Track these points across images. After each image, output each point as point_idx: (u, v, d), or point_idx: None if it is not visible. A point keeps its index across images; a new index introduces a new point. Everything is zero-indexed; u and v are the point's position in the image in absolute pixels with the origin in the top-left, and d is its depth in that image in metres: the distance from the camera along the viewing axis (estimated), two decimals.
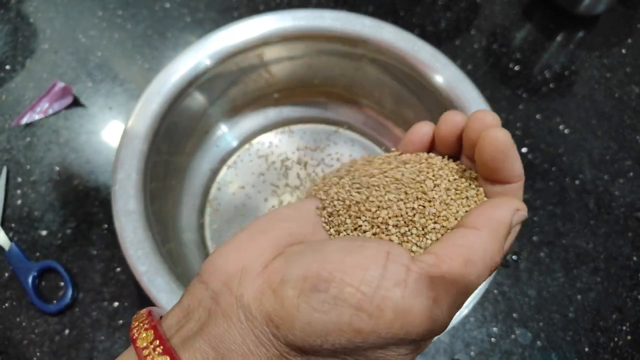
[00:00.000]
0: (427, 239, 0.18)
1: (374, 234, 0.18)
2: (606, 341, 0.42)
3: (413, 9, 0.58)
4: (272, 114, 0.49)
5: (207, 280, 0.17)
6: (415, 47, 0.41)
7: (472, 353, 0.41)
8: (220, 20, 0.55)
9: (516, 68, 0.55)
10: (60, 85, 0.48)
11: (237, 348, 0.15)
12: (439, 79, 0.40)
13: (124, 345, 0.39)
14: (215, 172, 0.46)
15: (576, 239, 0.46)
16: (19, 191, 0.45)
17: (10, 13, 0.55)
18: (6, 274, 0.42)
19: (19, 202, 0.45)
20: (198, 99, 0.42)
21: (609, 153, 0.51)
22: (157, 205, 0.37)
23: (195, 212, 0.43)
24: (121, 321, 0.40)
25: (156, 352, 0.15)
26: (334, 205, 0.19)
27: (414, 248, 0.18)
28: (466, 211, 0.19)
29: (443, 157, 0.21)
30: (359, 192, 0.19)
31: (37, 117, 0.48)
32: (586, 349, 0.42)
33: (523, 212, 0.18)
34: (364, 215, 0.19)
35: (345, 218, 0.19)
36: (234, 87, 0.45)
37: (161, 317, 0.18)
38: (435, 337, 0.19)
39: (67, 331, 0.40)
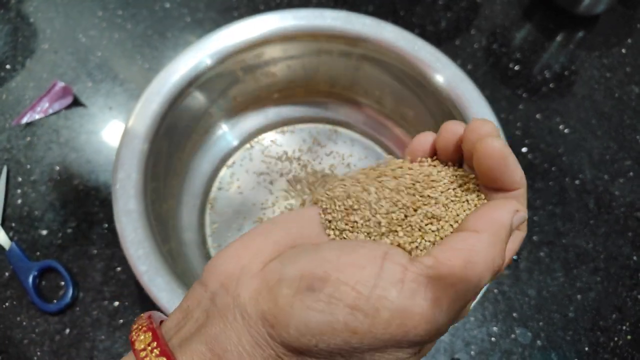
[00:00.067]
0: (426, 241, 0.18)
1: (374, 237, 0.18)
2: (606, 341, 0.42)
3: (413, 8, 0.58)
4: (272, 113, 0.49)
5: (207, 281, 0.17)
6: (416, 46, 0.41)
7: (472, 352, 0.41)
8: (220, 20, 0.55)
9: (516, 68, 0.55)
10: (61, 85, 0.48)
11: (233, 348, 0.15)
12: (439, 79, 0.40)
13: (124, 345, 0.39)
14: (215, 172, 0.46)
15: (576, 239, 0.46)
16: (19, 191, 0.45)
17: (10, 13, 0.55)
18: (6, 274, 0.42)
19: (19, 201, 0.45)
20: (198, 98, 0.42)
21: (609, 153, 0.51)
22: (157, 205, 0.37)
23: (195, 211, 0.44)
24: (121, 320, 0.40)
25: (153, 354, 0.15)
26: (335, 210, 0.19)
27: (413, 251, 0.18)
28: (467, 214, 0.19)
29: (445, 164, 0.21)
30: (360, 196, 0.19)
31: (37, 116, 0.48)
32: (586, 349, 0.42)
33: (523, 213, 0.18)
34: (364, 219, 0.19)
35: (346, 222, 0.19)
36: (234, 87, 0.45)
37: (162, 321, 0.18)
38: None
39: (67, 330, 0.40)
